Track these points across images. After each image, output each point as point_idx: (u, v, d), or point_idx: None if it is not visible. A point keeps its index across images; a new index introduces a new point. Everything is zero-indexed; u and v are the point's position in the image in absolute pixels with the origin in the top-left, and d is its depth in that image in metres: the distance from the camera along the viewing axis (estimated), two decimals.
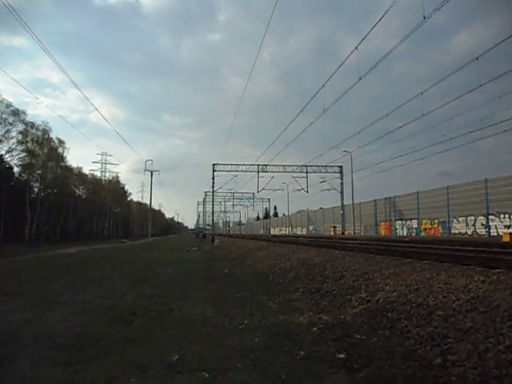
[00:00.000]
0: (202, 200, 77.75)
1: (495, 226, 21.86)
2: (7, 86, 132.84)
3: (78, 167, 60.76)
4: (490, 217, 22.21)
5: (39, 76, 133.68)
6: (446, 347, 3.38)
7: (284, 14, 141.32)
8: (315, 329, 4.51)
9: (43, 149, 44.70)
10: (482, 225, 22.82)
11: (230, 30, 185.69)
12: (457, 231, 24.82)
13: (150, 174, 37.99)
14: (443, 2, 12.06)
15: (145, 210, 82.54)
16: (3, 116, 37.25)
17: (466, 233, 24.06)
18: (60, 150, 49.08)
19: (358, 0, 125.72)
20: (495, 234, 21.51)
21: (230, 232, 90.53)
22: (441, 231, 26.46)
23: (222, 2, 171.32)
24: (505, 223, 21.18)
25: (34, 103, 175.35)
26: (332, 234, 39.88)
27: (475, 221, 23.40)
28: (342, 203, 40.66)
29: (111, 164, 76.85)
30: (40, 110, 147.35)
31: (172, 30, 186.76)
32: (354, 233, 36.88)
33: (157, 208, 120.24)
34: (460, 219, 24.69)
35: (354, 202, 37.23)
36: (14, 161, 41.97)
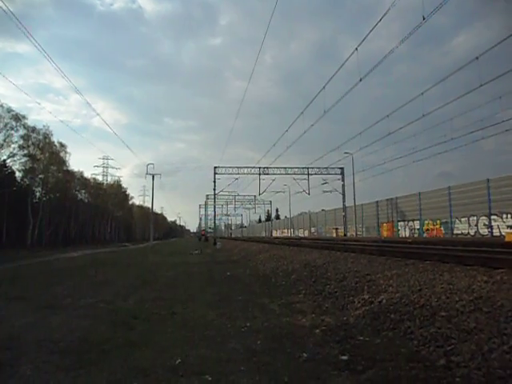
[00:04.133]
0: (203, 203, 78.03)
1: (498, 226, 21.79)
2: (11, 91, 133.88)
3: (79, 171, 61.08)
4: (493, 217, 22.15)
5: (42, 81, 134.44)
6: (449, 348, 3.37)
7: (285, 17, 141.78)
8: (318, 331, 4.49)
9: (45, 153, 44.89)
10: (485, 225, 22.76)
11: (231, 34, 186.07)
12: (459, 232, 24.76)
13: (151, 177, 38.15)
14: (442, 3, 12.07)
15: (147, 214, 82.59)
16: (5, 121, 37.50)
17: (468, 233, 23.99)
18: (61, 154, 49.36)
19: (358, 2, 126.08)
20: (498, 234, 21.45)
21: (232, 235, 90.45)
22: (443, 232, 26.40)
23: (223, 7, 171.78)
24: (507, 223, 21.12)
25: (37, 108, 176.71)
26: (334, 235, 39.83)
27: (477, 221, 23.34)
28: (344, 205, 40.60)
29: (113, 168, 77.09)
30: (43, 116, 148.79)
31: (174, 35, 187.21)
32: (356, 234, 36.80)
33: (159, 212, 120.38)
34: (462, 220, 24.62)
35: (356, 203, 37.23)
36: (16, 166, 42.30)
